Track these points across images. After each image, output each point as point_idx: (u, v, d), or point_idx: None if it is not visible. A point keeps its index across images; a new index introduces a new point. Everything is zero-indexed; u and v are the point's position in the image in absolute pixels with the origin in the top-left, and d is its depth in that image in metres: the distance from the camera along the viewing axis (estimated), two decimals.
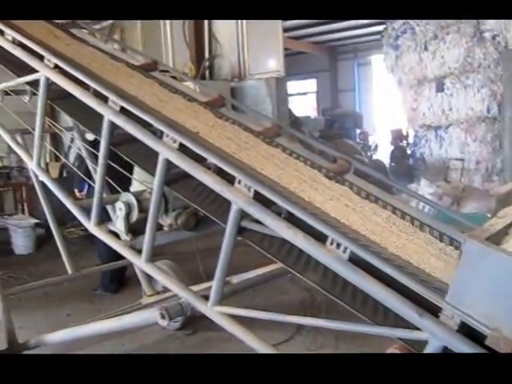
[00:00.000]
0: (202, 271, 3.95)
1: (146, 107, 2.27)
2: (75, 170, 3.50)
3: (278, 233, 1.80)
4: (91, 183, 3.22)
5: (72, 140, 6.63)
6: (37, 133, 2.70)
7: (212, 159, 1.93)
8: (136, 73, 2.85)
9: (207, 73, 8.39)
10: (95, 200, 2.40)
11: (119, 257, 4.80)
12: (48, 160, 8.47)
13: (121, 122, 2.17)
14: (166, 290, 3.82)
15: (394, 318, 1.52)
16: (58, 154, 5.64)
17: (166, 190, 2.21)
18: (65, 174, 7.94)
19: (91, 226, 2.46)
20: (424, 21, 7.89)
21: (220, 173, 1.97)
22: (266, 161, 2.10)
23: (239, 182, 1.84)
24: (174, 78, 3.08)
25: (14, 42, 2.83)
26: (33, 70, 2.71)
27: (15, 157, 7.60)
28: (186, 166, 1.97)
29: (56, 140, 7.72)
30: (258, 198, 1.83)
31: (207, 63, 8.19)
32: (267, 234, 1.89)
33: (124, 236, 2.37)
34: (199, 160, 2.03)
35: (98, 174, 2.35)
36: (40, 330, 3.92)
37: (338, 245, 1.62)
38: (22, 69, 2.91)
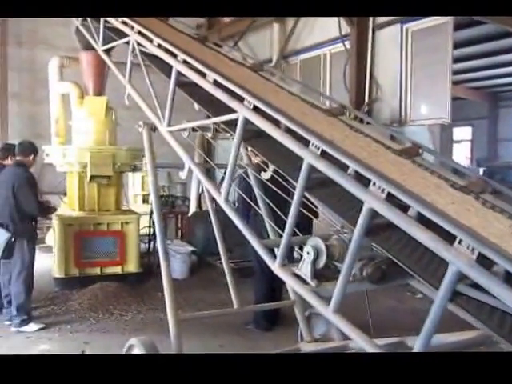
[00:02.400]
0: (370, 325, 3.73)
1: (346, 152, 2.21)
2: (254, 206, 3.58)
3: (503, 302, 1.58)
4: (270, 224, 3.27)
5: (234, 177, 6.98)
6: (229, 170, 2.81)
7: (427, 214, 1.78)
8: (328, 117, 2.86)
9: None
10: (283, 241, 2.39)
11: (274, 296, 4.87)
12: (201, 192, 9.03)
13: (322, 166, 2.14)
14: (324, 338, 3.70)
15: None
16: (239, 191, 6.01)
17: None
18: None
19: (275, 267, 2.44)
20: None
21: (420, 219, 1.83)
22: (392, 166, 2.20)
23: (460, 241, 1.66)
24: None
25: (214, 83, 3.02)
26: (228, 110, 2.86)
27: (180, 187, 8.30)
28: (396, 219, 1.83)
29: (208, 175, 8.22)
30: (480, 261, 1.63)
31: (366, 108, 8.11)
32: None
33: (309, 281, 2.30)
34: (403, 209, 1.91)
35: (290, 215, 2.33)
36: None
37: None
38: (217, 108, 3.11)
